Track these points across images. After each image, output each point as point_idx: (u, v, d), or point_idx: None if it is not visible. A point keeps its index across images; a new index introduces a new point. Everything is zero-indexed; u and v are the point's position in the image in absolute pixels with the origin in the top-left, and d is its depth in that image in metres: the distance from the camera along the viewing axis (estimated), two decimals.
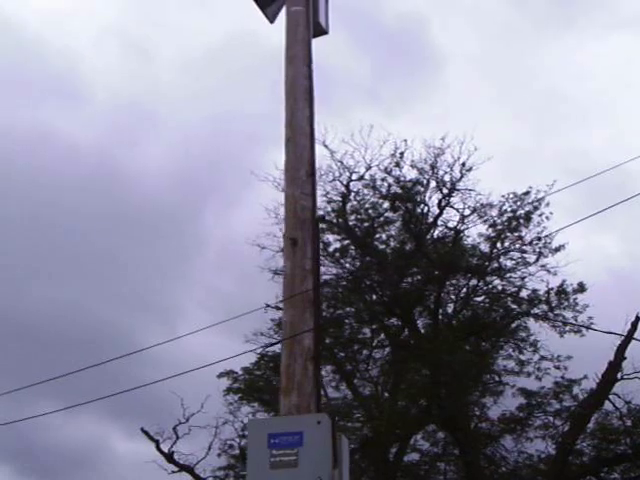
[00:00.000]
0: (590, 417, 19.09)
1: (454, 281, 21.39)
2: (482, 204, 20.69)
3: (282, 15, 9.15)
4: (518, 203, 20.49)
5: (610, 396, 18.85)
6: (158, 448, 21.15)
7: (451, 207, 21.04)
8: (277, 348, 19.12)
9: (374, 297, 21.73)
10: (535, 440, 20.42)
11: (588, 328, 19.58)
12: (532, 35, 38.29)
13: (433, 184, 21.03)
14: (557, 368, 20.23)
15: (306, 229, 7.55)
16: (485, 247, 20.89)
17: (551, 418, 20.41)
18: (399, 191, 21.06)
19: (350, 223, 21.79)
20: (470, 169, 20.43)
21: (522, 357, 20.70)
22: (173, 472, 20.97)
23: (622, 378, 18.68)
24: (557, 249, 19.97)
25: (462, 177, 20.69)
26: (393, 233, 22.18)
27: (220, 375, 22.52)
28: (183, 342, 8.57)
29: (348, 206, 21.75)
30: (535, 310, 20.28)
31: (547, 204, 20.04)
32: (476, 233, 21.01)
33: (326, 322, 21.39)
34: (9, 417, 8.34)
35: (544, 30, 37.93)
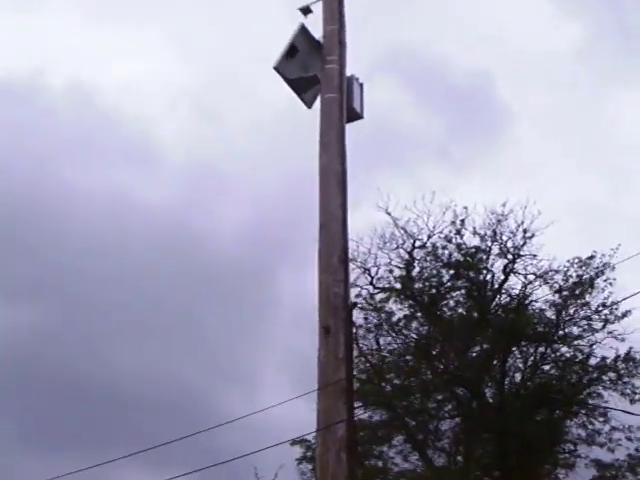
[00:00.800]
0: None
1: (521, 349, 21.00)
2: (546, 270, 20.40)
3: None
4: (583, 268, 20.13)
5: None
6: None
7: (515, 273, 20.78)
8: None
9: (441, 366, 21.47)
10: None
11: None
12: (599, 87, 38.00)
13: (496, 250, 20.84)
14: (629, 440, 19.54)
15: (339, 317, 7.60)
16: (551, 314, 20.50)
17: None
18: (461, 259, 20.92)
19: (415, 291, 21.70)
20: (532, 236, 20.23)
21: (593, 427, 20.06)
22: None
23: None
24: (624, 315, 19.45)
25: (525, 243, 20.48)
26: (460, 299, 21.96)
27: (293, 443, 22.12)
28: (261, 406, 8.60)
29: (413, 273, 21.69)
30: (604, 378, 19.72)
31: (612, 268, 19.62)
32: (542, 299, 20.66)
33: (394, 391, 21.23)
34: None
35: (612, 82, 37.61)
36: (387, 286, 21.49)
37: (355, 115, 9.35)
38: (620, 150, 35.17)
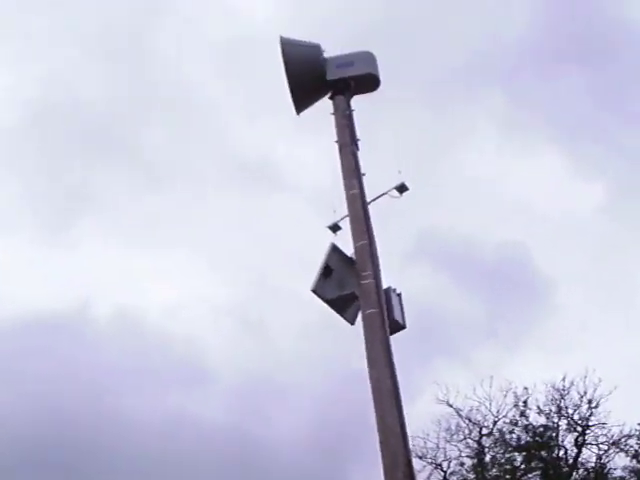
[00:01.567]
0: None
1: None
2: (619, 437, 19.79)
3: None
4: None
5: None
6: None
7: (588, 445, 20.15)
8: None
9: None
10: None
11: None
12: (629, 241, 38.07)
13: (564, 425, 20.35)
14: None
15: None
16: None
17: None
18: (530, 440, 20.40)
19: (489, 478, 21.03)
20: (598, 405, 19.78)
21: None
22: None
23: None
24: None
25: (592, 413, 20.00)
26: None
27: None
28: None
29: (485, 461, 21.13)
30: None
31: None
32: (620, 465, 19.89)
33: None
34: None
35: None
36: (461, 479, 20.98)
37: (397, 326, 9.46)
38: None
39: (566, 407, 20.21)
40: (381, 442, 8.22)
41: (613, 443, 20.03)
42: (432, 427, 20.91)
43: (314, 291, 9.68)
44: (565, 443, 20.39)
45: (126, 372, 36.63)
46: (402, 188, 10.53)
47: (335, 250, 10.09)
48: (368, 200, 10.28)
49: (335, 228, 10.56)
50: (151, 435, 34.49)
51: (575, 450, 20.44)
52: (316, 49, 11.36)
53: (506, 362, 30.38)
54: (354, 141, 10.72)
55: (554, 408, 20.24)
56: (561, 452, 20.59)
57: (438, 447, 20.64)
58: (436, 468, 20.71)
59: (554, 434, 20.29)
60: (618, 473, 19.95)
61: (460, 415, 20.65)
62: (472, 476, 20.99)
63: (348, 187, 10.27)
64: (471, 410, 20.58)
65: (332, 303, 9.69)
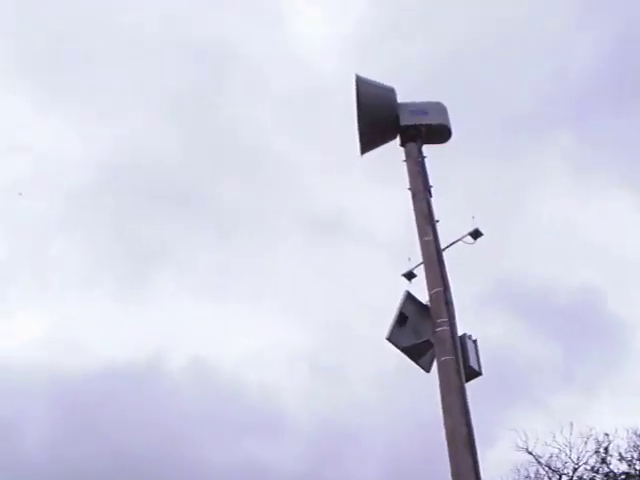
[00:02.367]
0: None
1: None
2: None
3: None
4: None
5: None
6: None
7: None
8: None
9: None
10: None
11: None
12: None
13: None
14: None
15: None
16: None
17: None
18: None
19: None
20: None
21: None
22: None
23: None
24: None
25: None
26: None
27: None
28: None
29: None
30: None
31: None
32: None
33: None
34: None
35: None
36: None
37: (473, 373, 9.43)
38: None
39: None
40: None
41: None
42: (511, 475, 20.60)
43: (389, 339, 9.72)
44: None
45: (201, 420, 36.93)
46: (476, 234, 10.54)
47: (410, 298, 10.14)
48: (442, 247, 10.32)
49: (410, 275, 10.62)
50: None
51: None
52: (391, 92, 11.42)
53: (585, 408, 29.75)
54: (427, 188, 10.79)
55: (636, 455, 19.65)
56: None
57: None
58: None
59: None
60: None
61: (540, 462, 20.31)
62: None
63: (422, 234, 10.34)
64: (551, 457, 20.21)
65: (407, 351, 9.72)
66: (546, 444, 20.26)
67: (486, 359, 9.87)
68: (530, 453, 20.32)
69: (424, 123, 11.20)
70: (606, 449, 19.86)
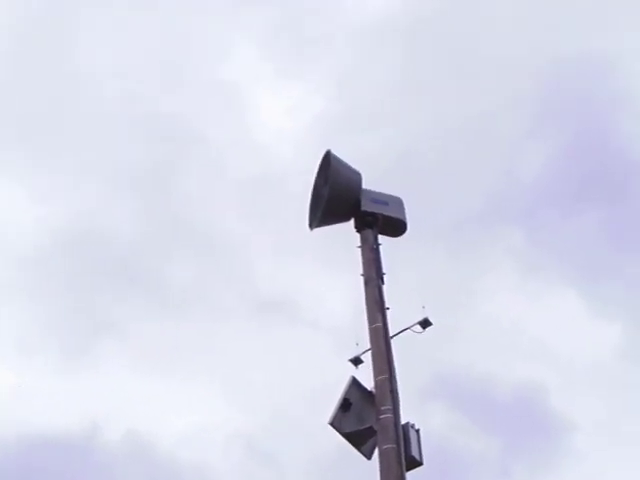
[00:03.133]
0: None
1: None
2: None
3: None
4: None
5: None
6: None
7: None
8: None
9: None
10: None
11: None
12: None
13: None
14: None
15: None
16: None
17: None
18: None
19: None
20: None
21: None
22: None
23: None
24: None
25: None
26: None
27: None
28: None
29: None
30: None
31: None
32: None
33: None
34: None
35: None
36: None
37: (414, 463, 9.37)
38: None
39: None
40: None
41: None
42: None
43: (332, 424, 9.66)
44: None
45: None
46: (425, 323, 10.64)
47: (355, 383, 10.13)
48: (391, 334, 10.39)
49: (357, 361, 10.65)
50: None
51: None
52: (358, 176, 11.61)
53: None
54: (380, 275, 10.91)
55: None
56: None
57: None
58: None
59: None
60: None
61: None
62: None
63: (372, 320, 10.40)
64: None
65: (349, 437, 9.66)
66: None
67: (427, 449, 9.85)
68: None
69: (383, 213, 11.44)
70: None
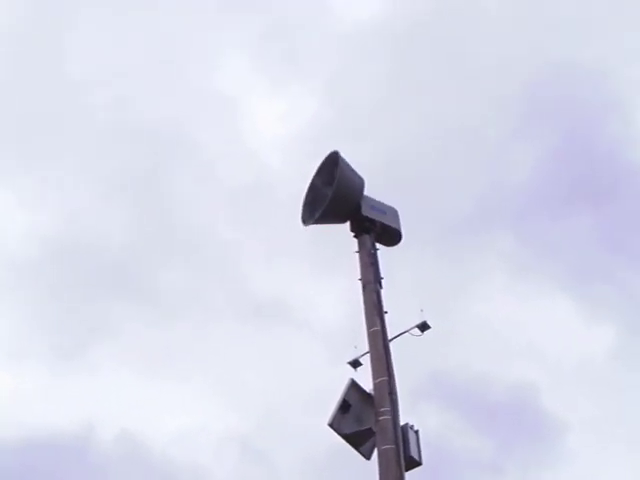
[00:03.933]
0: None
1: None
2: None
3: None
4: None
5: None
6: None
7: None
8: None
9: None
10: None
11: None
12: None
13: None
14: None
15: None
16: None
17: None
18: None
19: None
20: None
21: None
22: None
23: None
24: None
25: None
26: None
27: None
28: None
29: None
30: None
31: None
32: None
33: None
34: None
35: None
36: None
37: (413, 463, 9.53)
38: None
39: None
40: None
41: None
42: None
43: (331, 425, 9.80)
44: None
45: None
46: (424, 326, 10.80)
47: (354, 385, 10.29)
48: (389, 337, 10.57)
49: (356, 364, 10.83)
50: None
51: None
52: (362, 181, 11.81)
53: None
54: (378, 280, 11.09)
55: None
56: None
57: None
58: None
59: None
60: None
61: None
62: None
63: (370, 324, 10.58)
64: None
65: (349, 438, 9.81)
66: None
67: (423, 449, 10.00)
68: None
69: (382, 221, 11.67)
70: None
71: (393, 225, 11.78)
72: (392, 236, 11.81)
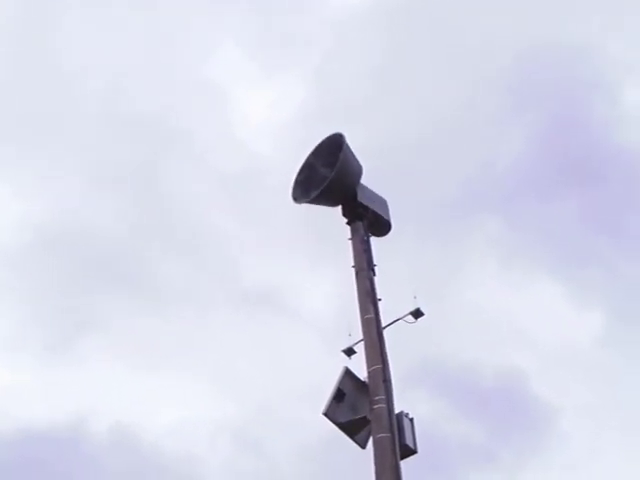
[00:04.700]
0: None
1: None
2: None
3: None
4: None
5: None
6: None
7: None
8: None
9: None
10: None
11: None
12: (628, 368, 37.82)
13: None
14: None
15: None
16: None
17: None
18: None
19: None
20: None
21: None
22: None
23: None
24: None
25: None
26: None
27: None
28: None
29: None
30: None
31: None
32: None
33: None
34: None
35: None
36: None
37: (409, 451, 9.46)
38: None
39: None
40: None
41: None
42: None
43: (326, 414, 9.72)
44: None
45: None
46: (417, 313, 10.71)
47: (348, 374, 10.20)
48: (383, 325, 10.48)
49: (350, 352, 10.72)
50: None
51: None
52: (361, 169, 11.78)
53: None
54: (371, 266, 11.00)
55: None
56: None
57: None
58: None
59: None
60: None
61: None
62: None
63: (364, 311, 10.49)
64: None
65: (343, 427, 9.73)
66: None
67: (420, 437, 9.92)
68: None
69: (374, 210, 11.61)
70: None
71: (384, 215, 11.74)
72: (382, 226, 11.77)
